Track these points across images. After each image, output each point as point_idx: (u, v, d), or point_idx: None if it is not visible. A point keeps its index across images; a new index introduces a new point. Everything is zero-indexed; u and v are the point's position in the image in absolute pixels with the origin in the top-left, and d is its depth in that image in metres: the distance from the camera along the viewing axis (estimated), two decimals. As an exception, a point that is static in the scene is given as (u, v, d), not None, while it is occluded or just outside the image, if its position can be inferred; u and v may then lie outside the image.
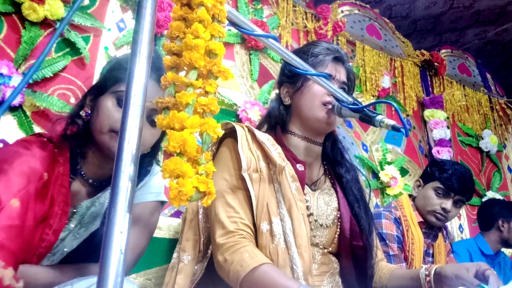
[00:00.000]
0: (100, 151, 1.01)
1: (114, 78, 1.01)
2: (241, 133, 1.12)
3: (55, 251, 0.99)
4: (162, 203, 1.16)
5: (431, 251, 1.91)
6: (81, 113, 1.02)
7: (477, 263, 1.13)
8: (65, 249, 1.00)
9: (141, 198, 1.08)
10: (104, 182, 1.06)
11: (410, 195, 1.98)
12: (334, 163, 1.29)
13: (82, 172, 1.03)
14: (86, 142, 1.02)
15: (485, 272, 1.08)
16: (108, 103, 0.98)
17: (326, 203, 1.20)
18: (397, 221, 1.82)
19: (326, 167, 1.30)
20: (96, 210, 1.03)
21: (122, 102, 0.96)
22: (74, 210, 1.01)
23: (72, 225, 1.01)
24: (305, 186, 1.17)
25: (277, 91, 1.33)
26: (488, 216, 2.57)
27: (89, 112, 1.02)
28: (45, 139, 1.01)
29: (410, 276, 1.25)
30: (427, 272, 1.18)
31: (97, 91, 1.03)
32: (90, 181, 1.04)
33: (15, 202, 0.81)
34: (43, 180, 0.90)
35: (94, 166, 1.04)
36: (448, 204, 1.80)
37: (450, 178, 1.80)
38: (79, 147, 1.02)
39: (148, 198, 1.10)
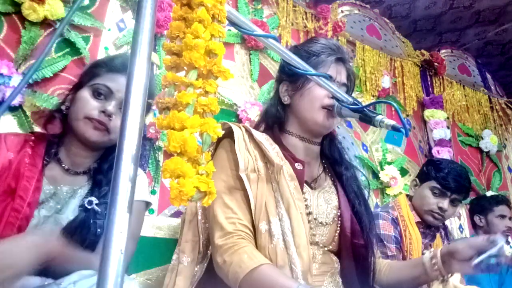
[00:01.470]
0: (76, 138, 1.09)
1: (91, 73, 1.11)
2: (238, 133, 1.12)
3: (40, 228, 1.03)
4: (147, 204, 1.20)
5: (429, 251, 1.91)
6: (62, 107, 1.12)
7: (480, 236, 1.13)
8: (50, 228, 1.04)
9: None
10: (80, 171, 1.12)
11: (407, 195, 1.98)
12: (332, 161, 1.29)
13: (58, 157, 1.10)
14: (63, 131, 1.12)
15: (492, 238, 1.08)
16: (85, 93, 1.08)
17: (326, 201, 1.20)
18: (395, 222, 1.81)
19: (325, 165, 1.30)
20: (75, 202, 1.07)
21: (98, 93, 1.06)
22: (54, 191, 1.06)
23: (51, 204, 1.05)
24: (304, 185, 1.17)
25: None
26: (471, 215, 2.65)
27: (69, 105, 1.11)
28: (26, 133, 1.14)
29: (413, 264, 1.24)
30: (432, 254, 1.17)
31: (76, 88, 1.12)
32: (65, 166, 1.10)
33: None
34: (8, 159, 1.01)
35: (70, 153, 1.11)
36: (445, 203, 1.80)
37: (446, 177, 1.80)
38: (56, 136, 1.12)
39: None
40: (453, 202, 1.84)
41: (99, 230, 1.04)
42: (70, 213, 1.06)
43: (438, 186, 1.81)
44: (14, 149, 1.03)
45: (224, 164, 1.11)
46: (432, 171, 1.86)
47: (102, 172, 1.11)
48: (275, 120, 1.24)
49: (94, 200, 1.05)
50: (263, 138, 1.14)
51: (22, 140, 1.06)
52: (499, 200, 2.55)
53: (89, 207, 1.05)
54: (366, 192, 1.31)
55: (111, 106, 1.06)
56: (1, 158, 1.01)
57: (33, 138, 1.09)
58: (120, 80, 1.08)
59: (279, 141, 1.19)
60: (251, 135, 1.14)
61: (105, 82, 1.08)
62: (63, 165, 1.10)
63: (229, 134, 1.14)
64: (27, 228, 0.98)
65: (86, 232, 1.02)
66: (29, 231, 0.99)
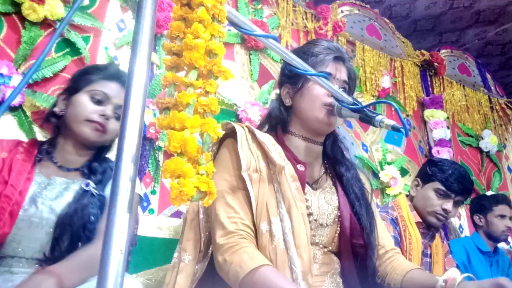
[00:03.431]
0: (72, 138, 1.21)
1: (87, 79, 1.23)
2: (241, 133, 1.12)
3: (36, 220, 1.09)
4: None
5: (428, 252, 1.90)
6: (56, 109, 1.23)
7: (496, 279, 1.06)
8: (44, 217, 1.09)
9: None
10: (72, 168, 1.21)
11: (407, 195, 1.98)
12: (334, 162, 1.29)
13: (51, 155, 1.21)
14: (58, 133, 1.24)
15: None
16: (83, 98, 1.20)
17: (327, 202, 1.20)
18: (394, 222, 1.81)
19: (327, 166, 1.30)
20: (70, 194, 1.14)
21: (96, 98, 1.16)
22: (48, 182, 1.16)
23: (47, 193, 1.13)
24: (306, 185, 1.17)
25: (277, 91, 1.33)
26: (471, 214, 2.64)
27: (64, 108, 1.22)
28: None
29: (425, 285, 1.16)
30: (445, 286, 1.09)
31: (69, 92, 1.24)
32: (58, 163, 1.21)
33: None
34: (1, 158, 1.13)
35: (63, 152, 1.22)
36: (449, 205, 1.80)
37: (451, 179, 1.79)
38: (52, 137, 1.25)
39: None
40: (457, 203, 1.84)
41: (92, 218, 1.11)
42: (65, 204, 1.12)
43: (442, 188, 1.80)
44: (7, 149, 1.17)
45: (227, 164, 1.11)
46: (436, 172, 1.84)
47: (96, 165, 1.22)
48: (278, 121, 1.25)
49: (91, 183, 1.16)
50: (266, 139, 1.14)
51: (15, 143, 1.20)
52: (499, 199, 2.52)
53: (86, 188, 1.14)
54: (368, 193, 1.30)
55: (109, 110, 1.21)
56: None
57: (25, 142, 1.22)
58: (115, 87, 1.23)
59: (282, 142, 1.20)
60: (253, 135, 1.14)
61: (102, 89, 1.21)
62: (56, 162, 1.21)
63: (232, 134, 1.14)
64: (18, 214, 1.08)
65: (82, 216, 1.09)
66: (23, 224, 1.08)
